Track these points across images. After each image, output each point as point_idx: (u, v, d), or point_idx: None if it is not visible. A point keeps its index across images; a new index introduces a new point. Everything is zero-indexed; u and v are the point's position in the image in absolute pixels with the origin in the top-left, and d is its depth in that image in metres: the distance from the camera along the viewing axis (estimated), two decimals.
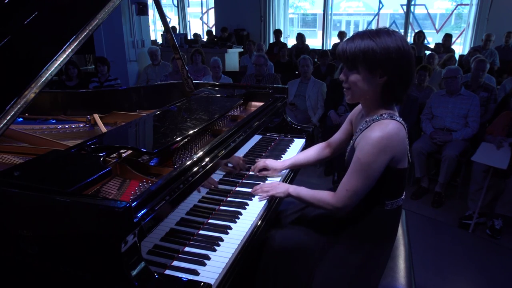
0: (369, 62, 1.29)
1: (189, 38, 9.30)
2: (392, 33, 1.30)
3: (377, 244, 1.46)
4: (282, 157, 2.07)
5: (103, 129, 1.97)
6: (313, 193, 1.50)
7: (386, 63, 1.28)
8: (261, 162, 1.85)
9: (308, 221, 1.62)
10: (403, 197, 1.46)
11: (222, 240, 1.33)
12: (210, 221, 1.44)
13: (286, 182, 1.86)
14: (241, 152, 1.83)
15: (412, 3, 8.85)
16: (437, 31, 10.02)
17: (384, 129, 1.29)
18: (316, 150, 1.85)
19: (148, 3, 6.63)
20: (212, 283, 1.13)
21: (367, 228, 1.45)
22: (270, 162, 1.85)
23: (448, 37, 7.14)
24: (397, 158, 1.33)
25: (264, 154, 2.10)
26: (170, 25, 4.80)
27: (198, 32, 10.49)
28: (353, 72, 1.35)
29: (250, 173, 1.86)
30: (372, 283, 1.46)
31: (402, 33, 8.69)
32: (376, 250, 1.46)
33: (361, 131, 1.38)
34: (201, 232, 1.38)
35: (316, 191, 1.50)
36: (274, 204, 1.65)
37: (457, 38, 9.20)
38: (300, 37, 8.10)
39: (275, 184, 1.65)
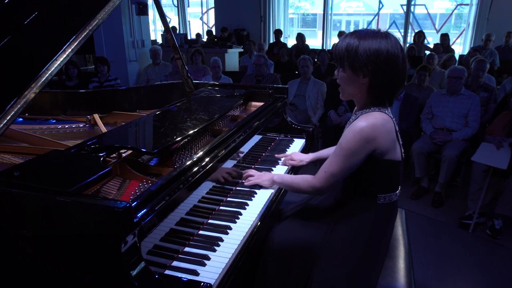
0: (351, 61, 1.32)
1: (189, 38, 9.30)
2: (380, 36, 1.30)
3: (372, 240, 1.46)
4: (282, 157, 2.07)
5: (103, 129, 1.97)
6: (295, 177, 1.62)
7: (366, 65, 1.30)
8: (288, 155, 2.01)
9: (306, 219, 1.62)
10: (397, 192, 1.47)
11: (222, 240, 1.33)
12: (210, 221, 1.45)
13: None
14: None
15: (412, 3, 8.86)
16: (437, 31, 10.02)
17: (369, 120, 1.33)
18: None
19: (148, 3, 6.63)
20: (212, 283, 1.13)
21: (362, 223, 1.45)
22: (295, 155, 2.00)
23: (445, 37, 7.15)
24: (382, 149, 1.35)
25: (264, 154, 2.10)
26: (170, 25, 4.80)
27: (198, 32, 10.48)
28: (342, 70, 1.39)
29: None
30: (371, 281, 1.46)
31: (402, 33, 8.74)
32: (372, 246, 1.46)
33: (350, 123, 1.41)
34: (201, 232, 1.38)
35: (298, 175, 1.62)
36: (274, 204, 1.65)
37: (457, 38, 9.21)
38: (300, 37, 8.10)
39: (260, 173, 1.73)
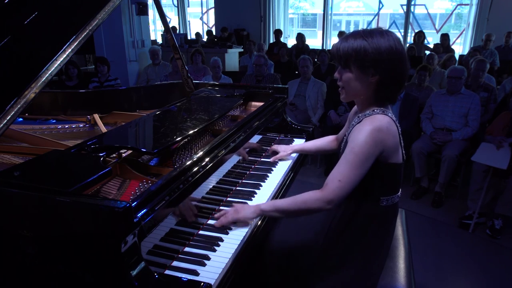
0: (361, 61, 1.30)
1: (189, 38, 9.30)
2: (385, 34, 1.31)
3: (374, 242, 1.46)
4: None
5: (103, 129, 1.97)
6: (294, 198, 1.39)
7: (378, 63, 1.29)
8: (273, 148, 2.06)
9: (307, 219, 1.62)
10: (399, 194, 1.47)
11: (222, 240, 1.33)
12: (210, 221, 1.44)
13: (286, 181, 1.86)
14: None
15: (412, 3, 8.86)
16: (437, 31, 10.03)
17: (374, 122, 1.32)
18: (325, 141, 1.93)
19: (148, 3, 6.63)
20: (212, 283, 1.13)
21: (364, 226, 1.45)
22: (278, 147, 2.05)
23: (445, 37, 7.15)
24: (388, 152, 1.34)
25: (264, 154, 2.10)
26: (170, 25, 4.80)
27: (198, 31, 10.48)
28: (346, 71, 1.37)
29: (251, 172, 1.86)
30: (371, 282, 1.46)
31: (402, 33, 8.75)
32: (374, 248, 1.46)
33: (353, 126, 1.40)
34: (201, 232, 1.38)
35: (296, 195, 1.39)
36: None
37: (457, 38, 9.21)
38: (300, 37, 8.10)
39: (239, 207, 1.45)
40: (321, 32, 9.86)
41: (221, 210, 1.49)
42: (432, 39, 9.04)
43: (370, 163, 1.32)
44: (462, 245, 3.01)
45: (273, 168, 1.92)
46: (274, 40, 8.88)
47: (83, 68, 6.98)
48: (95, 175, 1.12)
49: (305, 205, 1.36)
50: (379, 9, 9.76)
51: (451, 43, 7.57)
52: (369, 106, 1.40)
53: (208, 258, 1.23)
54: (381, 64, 1.29)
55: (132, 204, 1.01)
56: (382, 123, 1.32)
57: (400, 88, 1.39)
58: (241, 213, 1.42)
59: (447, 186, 3.70)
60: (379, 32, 1.31)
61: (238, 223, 1.42)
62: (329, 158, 4.21)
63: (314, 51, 7.53)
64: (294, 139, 2.36)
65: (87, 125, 2.11)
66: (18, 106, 1.21)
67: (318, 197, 1.34)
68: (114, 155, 1.45)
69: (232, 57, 7.29)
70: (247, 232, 1.39)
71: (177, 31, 10.81)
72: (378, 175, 1.37)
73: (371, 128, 1.30)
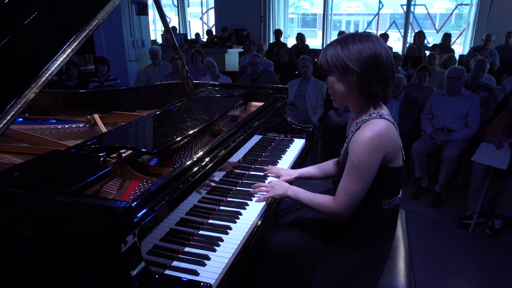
0: (337, 64, 1.34)
1: (189, 38, 9.30)
2: (360, 38, 1.33)
3: (375, 244, 1.46)
4: (282, 157, 2.07)
5: (103, 129, 1.96)
6: (313, 197, 1.48)
7: (351, 62, 1.32)
8: (275, 169, 1.83)
9: (307, 221, 1.62)
10: (399, 195, 1.47)
11: (222, 240, 1.33)
12: (210, 221, 1.45)
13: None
14: (241, 152, 1.83)
15: (412, 3, 8.86)
16: (437, 31, 10.03)
17: (373, 129, 1.32)
18: (329, 165, 1.84)
19: (148, 3, 6.63)
20: (212, 283, 1.13)
21: (366, 228, 1.45)
22: (283, 171, 1.83)
23: (447, 37, 7.15)
24: (389, 156, 1.34)
25: (264, 154, 2.10)
26: (170, 25, 4.80)
27: (197, 32, 10.47)
28: (330, 76, 1.41)
29: (251, 172, 1.86)
30: (372, 283, 1.46)
31: (402, 33, 8.74)
32: (375, 250, 1.46)
33: (352, 133, 1.40)
34: (201, 232, 1.38)
35: (316, 195, 1.49)
36: (274, 204, 1.65)
37: (457, 38, 9.21)
38: (300, 37, 8.10)
39: (273, 184, 1.60)
40: (321, 32, 9.86)
41: (221, 210, 1.52)
42: (432, 39, 9.04)
43: (374, 171, 1.33)
44: (462, 245, 3.01)
45: None
46: (274, 40, 8.88)
47: (83, 68, 6.99)
48: (95, 175, 1.12)
49: (319, 208, 1.46)
50: (379, 9, 9.76)
51: (451, 43, 7.58)
52: (363, 108, 1.40)
53: (208, 258, 1.23)
54: (355, 63, 1.31)
55: (132, 204, 1.01)
56: (380, 128, 1.32)
57: (385, 84, 1.37)
58: (273, 192, 1.57)
59: (447, 186, 3.70)
60: (352, 37, 1.35)
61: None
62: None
63: (314, 51, 7.53)
64: (294, 139, 2.36)
65: (87, 125, 2.10)
66: (18, 106, 1.21)
67: (330, 206, 1.42)
68: (114, 155, 1.45)
69: (232, 57, 7.29)
70: (247, 232, 1.39)
71: (177, 31, 10.81)
72: (380, 180, 1.37)
73: (369, 135, 1.30)
